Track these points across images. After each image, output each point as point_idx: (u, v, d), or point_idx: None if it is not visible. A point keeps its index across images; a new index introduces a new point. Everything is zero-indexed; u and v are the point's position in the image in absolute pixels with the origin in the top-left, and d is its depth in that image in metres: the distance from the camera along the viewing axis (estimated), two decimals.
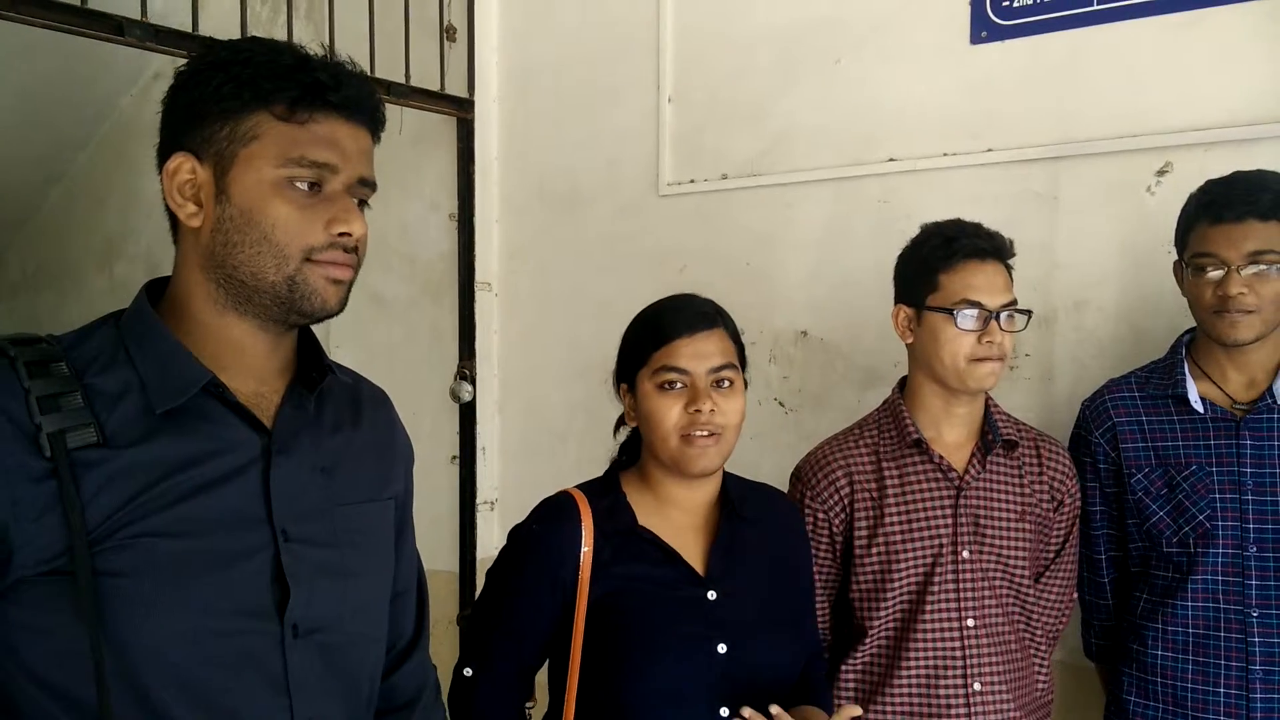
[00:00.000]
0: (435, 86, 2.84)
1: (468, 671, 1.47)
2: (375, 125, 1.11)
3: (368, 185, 1.09)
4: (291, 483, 1.07)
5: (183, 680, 0.99)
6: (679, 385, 1.43)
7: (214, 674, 1.00)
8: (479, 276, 2.94)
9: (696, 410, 1.41)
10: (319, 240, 1.04)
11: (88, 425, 0.97)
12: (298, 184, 1.03)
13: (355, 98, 1.06)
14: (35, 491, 0.94)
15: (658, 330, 1.46)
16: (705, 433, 1.42)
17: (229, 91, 1.02)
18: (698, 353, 1.43)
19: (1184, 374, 1.75)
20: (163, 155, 1.06)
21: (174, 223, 1.08)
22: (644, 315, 1.53)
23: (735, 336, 1.51)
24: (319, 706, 1.08)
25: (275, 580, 1.04)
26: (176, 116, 1.06)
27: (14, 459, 0.94)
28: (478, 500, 2.97)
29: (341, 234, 1.04)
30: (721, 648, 1.41)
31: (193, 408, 1.03)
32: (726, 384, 1.45)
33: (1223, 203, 1.65)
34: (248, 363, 1.09)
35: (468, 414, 2.96)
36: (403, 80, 2.68)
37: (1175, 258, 1.79)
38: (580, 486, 1.52)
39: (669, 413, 1.42)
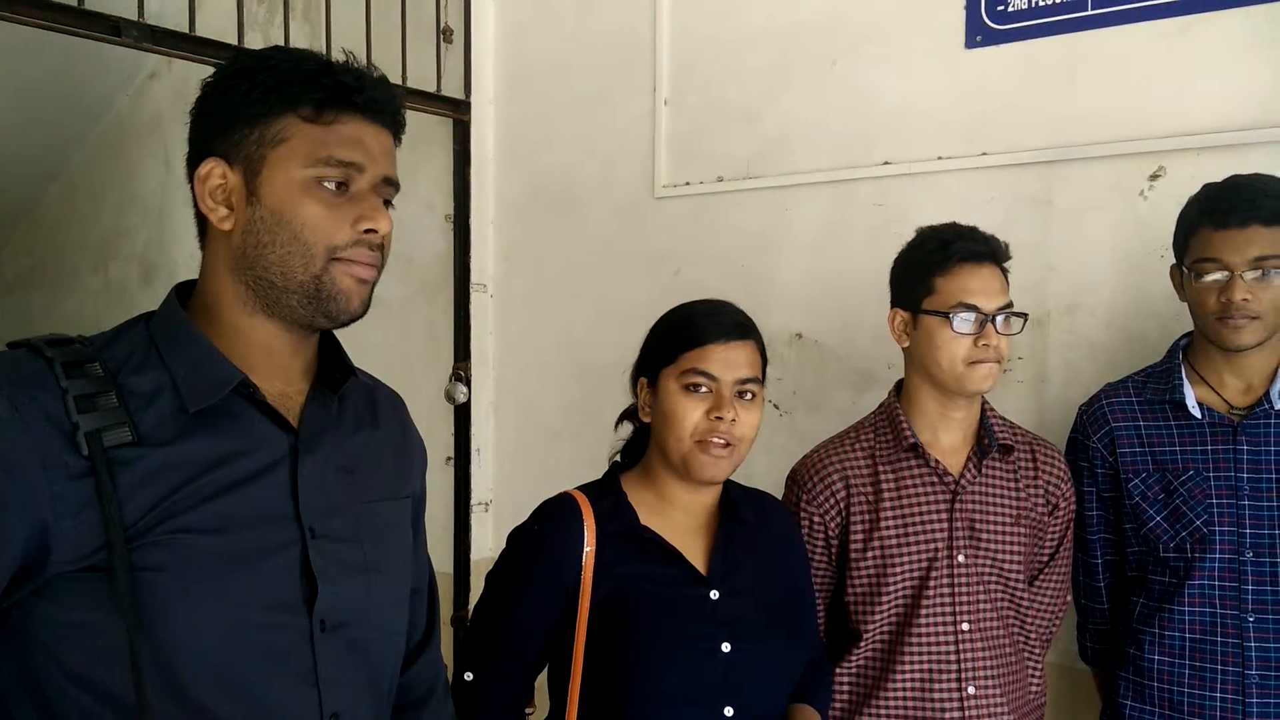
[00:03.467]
0: (431, 88, 2.84)
1: (468, 676, 1.46)
2: (397, 127, 1.15)
3: (392, 184, 1.12)
4: (317, 481, 1.10)
5: (217, 673, 1.00)
6: (704, 389, 1.44)
7: (247, 667, 1.02)
8: (474, 278, 2.95)
9: (718, 417, 1.42)
10: (345, 238, 1.06)
11: (123, 424, 0.99)
12: (326, 183, 1.06)
13: (378, 99, 1.10)
14: (73, 489, 0.96)
15: (691, 331, 1.47)
16: (722, 441, 1.42)
17: (257, 97, 1.05)
18: (728, 361, 1.44)
19: (1181, 379, 1.76)
20: (193, 162, 1.09)
21: (203, 228, 1.11)
22: (677, 314, 1.53)
23: (763, 351, 1.52)
24: (346, 699, 1.10)
25: (303, 575, 1.06)
26: (206, 123, 1.09)
27: (53, 457, 0.95)
28: (473, 501, 2.97)
29: (368, 231, 1.07)
30: (725, 647, 1.41)
31: (223, 407, 1.05)
32: (749, 396, 1.46)
33: (1226, 208, 1.64)
34: (274, 364, 1.11)
35: (463, 415, 2.96)
36: (399, 82, 2.68)
37: (1169, 261, 1.80)
38: (580, 488, 1.51)
39: (689, 415, 1.43)
